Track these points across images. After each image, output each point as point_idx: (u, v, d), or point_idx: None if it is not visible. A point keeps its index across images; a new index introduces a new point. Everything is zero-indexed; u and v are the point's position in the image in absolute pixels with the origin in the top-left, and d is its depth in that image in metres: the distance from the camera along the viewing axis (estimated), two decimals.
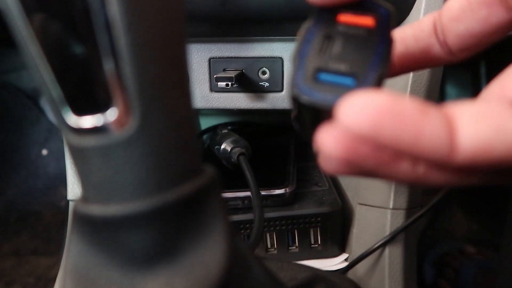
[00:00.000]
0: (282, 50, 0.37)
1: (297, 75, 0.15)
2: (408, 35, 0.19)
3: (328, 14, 0.16)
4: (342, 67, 0.15)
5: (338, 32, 0.16)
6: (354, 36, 0.16)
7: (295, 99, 0.15)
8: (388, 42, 0.16)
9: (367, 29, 0.16)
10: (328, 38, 0.16)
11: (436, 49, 0.18)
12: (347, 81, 0.15)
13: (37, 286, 0.75)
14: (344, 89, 0.14)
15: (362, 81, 0.15)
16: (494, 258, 0.69)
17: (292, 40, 0.36)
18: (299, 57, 0.16)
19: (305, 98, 0.15)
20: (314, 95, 0.15)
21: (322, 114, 0.15)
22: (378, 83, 0.15)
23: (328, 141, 0.12)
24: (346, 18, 0.16)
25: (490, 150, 0.11)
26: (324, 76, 0.15)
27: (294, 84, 0.15)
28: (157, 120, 0.13)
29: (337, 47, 0.16)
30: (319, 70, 0.15)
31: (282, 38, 0.36)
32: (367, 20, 0.16)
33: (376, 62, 0.15)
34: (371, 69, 0.15)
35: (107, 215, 0.13)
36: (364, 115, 0.11)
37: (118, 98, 0.12)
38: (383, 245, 0.32)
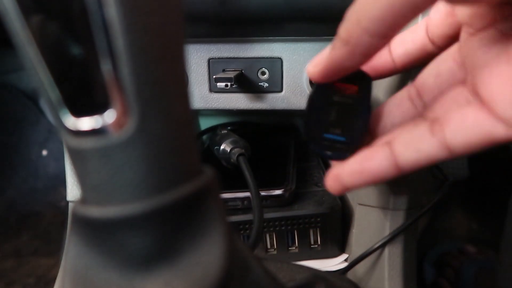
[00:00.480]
0: (282, 50, 0.37)
1: (308, 136, 0.25)
2: (407, 39, 0.24)
3: (326, 85, 0.24)
4: (338, 131, 0.24)
5: (333, 103, 0.25)
6: (345, 104, 0.24)
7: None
8: (367, 108, 0.24)
9: (354, 97, 0.24)
10: (326, 106, 0.25)
11: (429, 47, 0.23)
12: (342, 139, 0.24)
13: (37, 287, 0.75)
14: (340, 145, 0.24)
15: (351, 140, 0.24)
16: (494, 257, 0.69)
17: (291, 40, 0.36)
18: (310, 124, 0.25)
19: (316, 151, 0.25)
20: (322, 152, 0.25)
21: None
22: (361, 137, 0.24)
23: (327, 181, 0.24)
24: (339, 86, 0.25)
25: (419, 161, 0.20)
26: (327, 136, 0.24)
27: (309, 142, 0.25)
28: (155, 121, 0.13)
29: (333, 115, 0.25)
30: (324, 133, 0.25)
31: (282, 39, 0.36)
32: (354, 89, 0.25)
33: (359, 126, 0.24)
34: (356, 131, 0.24)
35: (106, 217, 0.13)
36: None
37: (116, 100, 0.12)
38: (383, 246, 0.32)
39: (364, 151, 0.22)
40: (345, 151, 0.24)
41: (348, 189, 0.22)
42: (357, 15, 0.17)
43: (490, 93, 0.18)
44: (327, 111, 0.25)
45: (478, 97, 0.19)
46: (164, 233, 0.13)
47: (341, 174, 0.22)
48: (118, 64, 0.12)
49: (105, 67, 0.12)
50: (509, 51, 0.17)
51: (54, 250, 0.82)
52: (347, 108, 0.24)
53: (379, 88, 0.33)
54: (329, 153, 0.24)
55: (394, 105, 0.25)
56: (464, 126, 0.18)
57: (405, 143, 0.20)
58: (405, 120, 0.24)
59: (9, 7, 0.11)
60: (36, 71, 0.12)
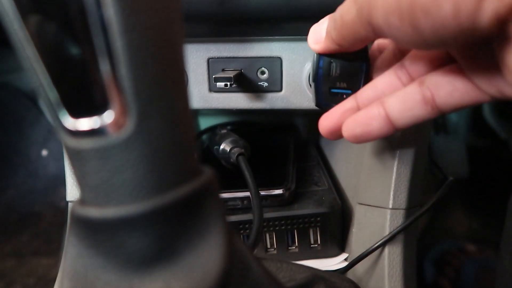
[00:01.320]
0: (281, 49, 0.37)
1: (318, 95, 0.29)
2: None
3: None
4: (344, 85, 0.28)
5: (336, 60, 0.27)
6: (347, 59, 0.27)
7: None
8: (367, 59, 0.27)
9: (354, 52, 0.25)
10: (330, 63, 0.28)
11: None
12: (348, 92, 0.28)
13: (37, 287, 0.75)
14: (347, 97, 0.28)
15: (356, 91, 0.27)
16: (495, 256, 0.69)
17: (291, 39, 0.36)
18: (317, 80, 0.29)
19: (324, 108, 0.29)
20: (330, 105, 0.28)
21: None
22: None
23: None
24: None
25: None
26: (335, 90, 0.28)
27: (317, 100, 0.29)
28: (154, 121, 0.13)
29: (338, 71, 0.28)
30: (331, 88, 0.28)
31: (281, 38, 0.36)
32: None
33: (361, 78, 0.28)
34: (359, 83, 0.28)
35: (105, 218, 0.13)
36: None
37: (115, 100, 0.12)
38: (383, 245, 0.32)
39: (362, 114, 0.24)
40: None
41: (339, 135, 0.26)
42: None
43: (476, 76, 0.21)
44: (332, 68, 0.28)
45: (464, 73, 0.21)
46: (163, 233, 0.13)
47: (339, 121, 0.26)
48: (117, 64, 0.12)
49: (104, 67, 0.12)
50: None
51: (54, 250, 0.83)
52: (349, 62, 0.27)
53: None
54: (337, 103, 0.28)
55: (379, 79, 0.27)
56: (454, 96, 0.21)
57: (400, 111, 0.23)
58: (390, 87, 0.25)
59: (7, 7, 0.11)
60: (34, 72, 0.12)
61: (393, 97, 0.23)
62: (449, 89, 0.21)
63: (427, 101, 0.22)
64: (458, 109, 0.22)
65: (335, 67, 0.28)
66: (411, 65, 0.24)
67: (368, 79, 0.27)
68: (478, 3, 0.14)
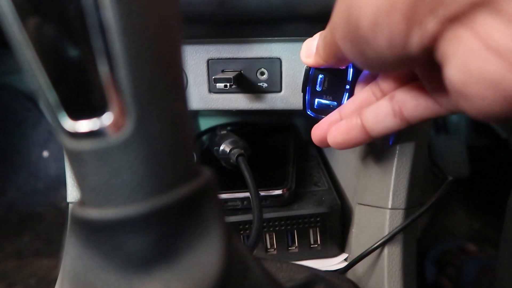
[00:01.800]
0: (280, 50, 0.37)
1: (305, 104, 0.32)
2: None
3: None
4: (330, 97, 0.31)
5: (324, 74, 0.31)
6: (334, 74, 0.31)
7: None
8: (352, 77, 0.30)
9: (340, 69, 0.30)
10: (319, 77, 0.31)
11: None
12: (334, 103, 0.31)
13: (39, 287, 0.75)
14: (332, 109, 0.31)
15: (341, 103, 0.31)
16: (495, 256, 0.69)
17: (290, 40, 0.36)
18: (306, 91, 0.32)
19: (311, 117, 0.32)
20: (318, 116, 0.32)
21: None
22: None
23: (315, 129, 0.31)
24: None
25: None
26: (319, 103, 0.32)
27: (305, 109, 0.33)
28: (153, 123, 0.13)
29: (325, 84, 0.31)
30: (319, 99, 0.32)
31: (280, 39, 0.37)
32: None
33: (345, 92, 0.31)
34: (343, 97, 0.31)
35: (104, 219, 0.13)
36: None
37: (114, 102, 0.12)
38: (382, 245, 0.32)
39: (343, 124, 0.27)
40: None
41: (326, 144, 0.29)
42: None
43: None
44: (320, 81, 0.31)
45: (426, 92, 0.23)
46: (162, 234, 0.13)
47: (327, 131, 0.29)
48: (115, 66, 0.12)
49: (102, 69, 0.12)
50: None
51: (55, 251, 0.83)
52: (335, 77, 0.31)
53: None
54: (323, 116, 0.31)
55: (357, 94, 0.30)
56: (418, 110, 0.24)
57: (374, 122, 0.26)
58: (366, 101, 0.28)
59: (6, 9, 0.11)
60: (34, 74, 0.12)
61: (368, 110, 0.26)
62: (414, 104, 0.24)
63: (396, 114, 0.25)
64: (424, 121, 0.24)
65: (323, 81, 0.31)
66: (383, 82, 0.27)
67: (351, 93, 0.30)
68: (406, 36, 0.16)
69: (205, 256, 0.14)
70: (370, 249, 0.32)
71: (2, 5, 0.11)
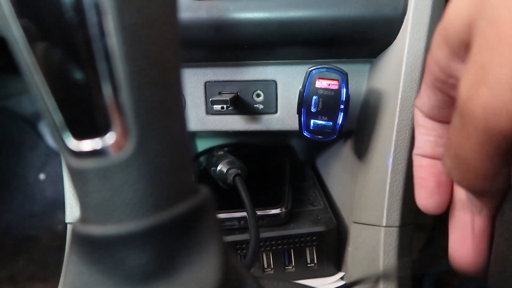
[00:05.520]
0: (275, 73, 0.38)
1: (301, 125, 0.33)
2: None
3: (313, 82, 0.32)
4: (325, 118, 0.32)
5: (319, 95, 0.31)
6: (328, 96, 0.31)
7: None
8: (346, 97, 0.31)
9: (335, 90, 0.31)
10: (314, 99, 0.32)
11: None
12: (329, 124, 0.32)
13: None
14: (328, 129, 0.32)
15: (335, 124, 0.32)
16: None
17: (285, 63, 0.38)
18: (301, 113, 0.32)
19: (307, 138, 0.33)
20: (313, 137, 0.33)
21: None
22: (343, 121, 0.32)
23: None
24: (321, 83, 0.32)
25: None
26: (315, 124, 0.32)
27: (301, 130, 0.33)
28: (153, 143, 0.13)
29: (320, 105, 0.32)
30: (314, 120, 0.32)
31: (275, 62, 0.38)
32: (333, 83, 0.31)
33: (340, 113, 0.32)
34: (338, 118, 0.32)
35: (106, 235, 0.13)
36: None
37: (116, 123, 0.13)
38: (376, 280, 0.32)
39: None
40: (332, 134, 0.33)
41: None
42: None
43: None
44: (315, 102, 0.32)
45: None
46: (161, 250, 0.14)
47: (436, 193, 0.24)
48: (118, 89, 0.12)
49: (106, 92, 0.12)
50: None
51: (50, 275, 0.81)
52: (330, 98, 0.31)
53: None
54: (319, 136, 0.33)
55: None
56: None
57: None
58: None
59: (17, 35, 0.12)
60: (41, 96, 0.13)
61: None
62: None
63: None
64: None
65: (317, 102, 0.32)
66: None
67: (346, 113, 0.32)
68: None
69: (202, 271, 0.14)
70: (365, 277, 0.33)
71: (13, 30, 0.12)
